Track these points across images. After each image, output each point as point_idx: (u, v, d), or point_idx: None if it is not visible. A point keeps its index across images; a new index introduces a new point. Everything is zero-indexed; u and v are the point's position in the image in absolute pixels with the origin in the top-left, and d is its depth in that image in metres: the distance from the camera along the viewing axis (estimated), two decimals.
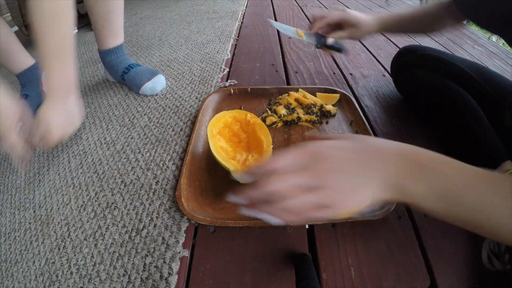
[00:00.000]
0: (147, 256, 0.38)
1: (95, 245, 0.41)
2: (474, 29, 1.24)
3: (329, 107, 0.61)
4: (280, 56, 0.93)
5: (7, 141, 0.46)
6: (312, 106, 0.60)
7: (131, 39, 1.21)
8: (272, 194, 0.26)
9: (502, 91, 0.50)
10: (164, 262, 0.37)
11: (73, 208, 0.47)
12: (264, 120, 0.58)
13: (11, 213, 0.50)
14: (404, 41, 1.11)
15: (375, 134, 0.57)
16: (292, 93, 0.63)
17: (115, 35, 0.76)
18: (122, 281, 0.36)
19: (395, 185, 0.26)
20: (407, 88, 0.66)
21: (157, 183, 0.49)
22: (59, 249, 0.41)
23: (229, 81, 0.78)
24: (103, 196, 0.48)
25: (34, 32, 0.46)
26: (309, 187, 0.26)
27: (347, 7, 1.60)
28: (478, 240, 0.37)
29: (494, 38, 1.22)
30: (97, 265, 0.38)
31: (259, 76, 0.81)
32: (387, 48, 1.03)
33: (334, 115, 0.60)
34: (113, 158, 0.56)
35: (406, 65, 0.64)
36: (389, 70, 0.81)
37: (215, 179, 0.47)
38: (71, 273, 0.38)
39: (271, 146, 0.48)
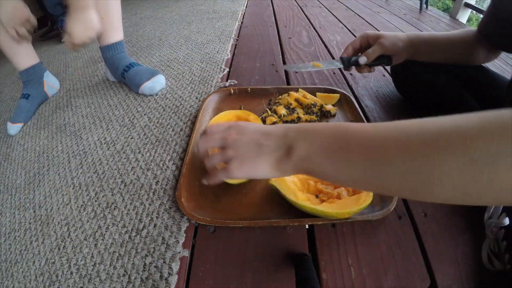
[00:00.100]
0: (147, 256, 0.38)
1: (95, 245, 0.41)
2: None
3: (329, 107, 0.61)
4: (280, 56, 0.93)
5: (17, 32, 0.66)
6: (312, 106, 0.60)
7: (131, 39, 1.21)
8: (200, 154, 0.36)
9: (502, 91, 0.50)
10: (164, 262, 0.37)
11: (73, 208, 0.47)
12: (264, 120, 0.58)
13: (11, 213, 0.50)
14: None
15: None
16: (292, 93, 0.63)
17: (114, 28, 0.77)
18: (122, 281, 0.36)
19: (288, 147, 0.28)
20: (407, 88, 0.66)
21: (157, 183, 0.49)
22: (59, 249, 0.41)
23: (229, 81, 0.78)
24: (103, 196, 0.48)
25: None
26: (221, 146, 0.33)
27: (348, 8, 1.60)
28: (478, 240, 0.37)
29: None
30: (97, 265, 0.38)
31: (259, 76, 0.81)
32: None
33: (334, 115, 0.60)
34: (113, 158, 0.56)
35: (406, 65, 0.64)
36: (389, 70, 0.81)
37: None
38: (71, 273, 0.38)
39: None
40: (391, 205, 0.40)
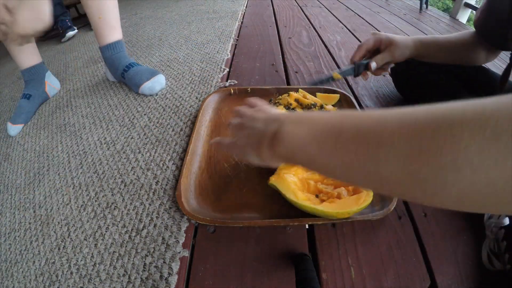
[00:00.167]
0: (147, 256, 0.38)
1: (95, 245, 0.41)
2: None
3: (329, 107, 0.61)
4: (280, 56, 0.93)
5: None
6: (312, 106, 0.60)
7: (131, 39, 1.21)
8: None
9: (502, 91, 0.50)
10: (164, 262, 0.37)
11: (73, 208, 0.47)
12: None
13: (11, 213, 0.50)
14: None
15: None
16: (292, 93, 0.63)
17: (112, 27, 0.77)
18: (122, 281, 0.36)
19: (273, 133, 0.27)
20: (407, 88, 0.66)
21: (157, 183, 0.49)
22: (59, 249, 0.41)
23: (229, 81, 0.78)
24: (103, 196, 0.48)
25: None
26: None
27: (348, 8, 1.60)
28: (478, 240, 0.37)
29: None
30: (97, 265, 0.38)
31: (259, 76, 0.81)
32: None
33: None
34: (113, 158, 0.56)
35: (407, 65, 0.64)
36: (389, 70, 0.81)
37: (215, 179, 0.47)
38: (71, 273, 0.38)
39: None
40: (391, 205, 0.40)
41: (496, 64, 0.92)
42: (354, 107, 0.60)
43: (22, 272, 0.40)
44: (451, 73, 0.56)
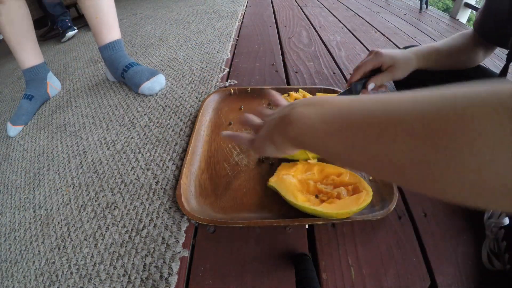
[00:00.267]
0: (147, 256, 0.38)
1: (95, 245, 0.41)
2: None
3: None
4: (280, 56, 0.93)
5: None
6: None
7: (131, 39, 1.21)
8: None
9: None
10: (164, 262, 0.37)
11: (73, 208, 0.47)
12: None
13: (11, 213, 0.50)
14: (404, 41, 1.11)
15: None
16: (292, 93, 0.63)
17: (110, 27, 0.78)
18: (122, 281, 0.36)
19: (286, 117, 0.26)
20: (407, 88, 0.66)
21: (157, 183, 0.49)
22: (59, 249, 0.41)
23: (229, 81, 0.78)
24: (103, 196, 0.48)
25: None
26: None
27: (348, 8, 1.60)
28: (478, 240, 0.37)
29: None
30: (97, 265, 0.38)
31: (259, 76, 0.81)
32: (387, 48, 1.03)
33: None
34: (113, 158, 0.56)
35: None
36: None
37: (215, 179, 0.47)
38: (71, 273, 0.38)
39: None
40: (391, 205, 0.40)
41: (496, 64, 0.92)
42: None
43: (22, 272, 0.40)
44: (451, 73, 0.56)
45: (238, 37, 1.12)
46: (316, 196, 0.41)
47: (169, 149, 0.56)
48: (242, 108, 0.64)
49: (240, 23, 1.28)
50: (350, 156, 0.21)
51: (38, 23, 1.63)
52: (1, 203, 0.52)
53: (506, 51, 0.48)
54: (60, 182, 0.53)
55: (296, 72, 0.83)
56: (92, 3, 0.73)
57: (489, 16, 0.50)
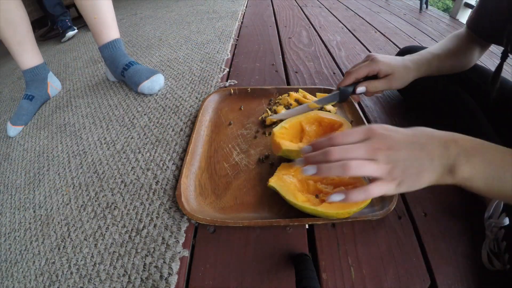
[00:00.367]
0: (147, 256, 0.38)
1: (95, 245, 0.41)
2: None
3: (329, 107, 0.60)
4: (280, 56, 0.93)
5: None
6: None
7: (131, 39, 1.21)
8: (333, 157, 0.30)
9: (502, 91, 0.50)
10: (164, 262, 0.37)
11: (73, 208, 0.47)
12: (264, 120, 0.58)
13: (11, 213, 0.50)
14: (404, 41, 1.11)
15: None
16: (292, 93, 0.63)
17: (109, 26, 0.78)
18: (122, 281, 0.36)
19: (450, 167, 0.28)
20: (407, 88, 0.66)
21: (157, 183, 0.49)
22: (59, 249, 0.41)
23: (229, 81, 0.78)
24: (103, 196, 0.48)
25: None
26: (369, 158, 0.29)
27: (348, 8, 1.60)
28: (478, 240, 0.37)
29: None
30: (97, 265, 0.38)
31: (259, 76, 0.81)
32: (387, 48, 1.03)
33: None
34: (113, 158, 0.56)
35: None
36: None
37: (215, 179, 0.47)
38: (71, 273, 0.38)
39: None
40: (391, 205, 0.40)
41: (496, 63, 0.92)
42: (354, 107, 0.60)
43: (22, 272, 0.40)
44: (449, 76, 0.56)
45: (238, 37, 1.12)
46: (316, 196, 0.41)
47: (169, 149, 0.56)
48: (242, 108, 0.64)
49: (240, 23, 1.28)
50: None
51: (38, 23, 1.63)
52: (1, 203, 0.53)
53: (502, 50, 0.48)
54: (60, 182, 0.53)
55: (296, 72, 0.83)
56: (89, 3, 0.73)
57: (484, 15, 0.50)
